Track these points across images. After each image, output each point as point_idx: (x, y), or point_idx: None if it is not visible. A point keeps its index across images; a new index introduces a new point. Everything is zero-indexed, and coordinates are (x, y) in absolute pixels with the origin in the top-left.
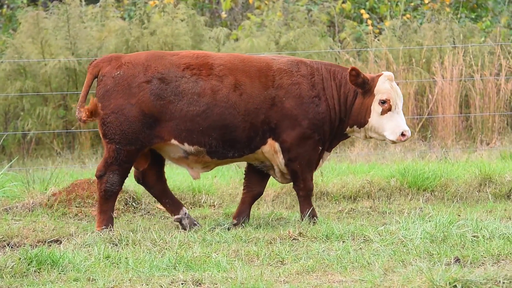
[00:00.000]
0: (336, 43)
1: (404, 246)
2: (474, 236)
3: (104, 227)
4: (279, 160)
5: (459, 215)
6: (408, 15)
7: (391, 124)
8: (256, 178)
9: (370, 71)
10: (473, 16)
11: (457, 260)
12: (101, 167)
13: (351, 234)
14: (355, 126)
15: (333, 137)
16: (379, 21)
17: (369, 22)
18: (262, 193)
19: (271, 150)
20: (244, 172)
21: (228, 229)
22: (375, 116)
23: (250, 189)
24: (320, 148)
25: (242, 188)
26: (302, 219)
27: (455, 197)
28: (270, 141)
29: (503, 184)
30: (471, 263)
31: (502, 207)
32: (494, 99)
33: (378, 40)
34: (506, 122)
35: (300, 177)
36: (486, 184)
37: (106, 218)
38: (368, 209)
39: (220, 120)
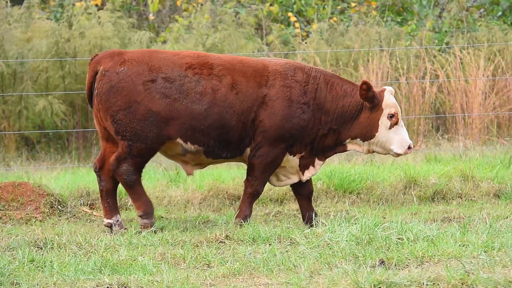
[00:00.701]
0: (263, 45)
1: (330, 248)
2: (399, 239)
3: (142, 211)
4: (247, 153)
5: (384, 218)
6: (335, 18)
7: (398, 138)
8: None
9: None
10: (399, 20)
11: (382, 262)
12: (113, 161)
13: (278, 236)
14: (358, 139)
15: (324, 147)
16: (307, 24)
17: (297, 25)
18: (312, 188)
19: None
20: None
21: (155, 232)
22: (383, 130)
23: (300, 192)
24: (290, 155)
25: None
26: (236, 216)
27: (380, 199)
28: (252, 141)
29: (427, 187)
30: (395, 265)
31: (426, 209)
32: (420, 102)
33: (306, 43)
34: (431, 125)
35: (255, 174)
36: (411, 186)
37: (142, 203)
38: (295, 212)
39: (219, 120)
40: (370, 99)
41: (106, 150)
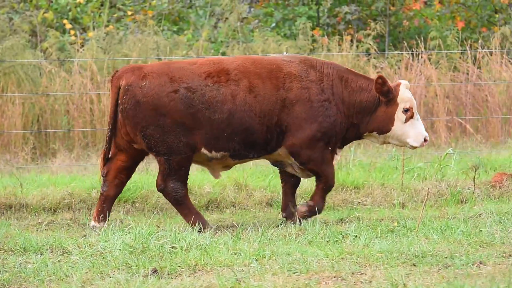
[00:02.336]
0: (38, 52)
1: (103, 258)
2: (172, 247)
3: (198, 222)
4: (293, 161)
5: (158, 227)
6: (111, 26)
7: (414, 131)
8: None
9: (74, 82)
10: (175, 29)
11: (155, 271)
12: (160, 181)
13: (50, 246)
14: (375, 132)
15: (346, 139)
16: (83, 32)
17: (72, 32)
18: (300, 180)
19: (285, 152)
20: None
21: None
22: (398, 124)
23: (287, 181)
24: (330, 148)
25: (280, 182)
26: (309, 208)
27: (155, 208)
28: (283, 144)
29: (202, 196)
30: (168, 274)
31: None
32: None
33: (83, 50)
34: None
35: (320, 174)
36: None
37: (194, 217)
38: (69, 221)
39: (241, 124)
40: (385, 94)
41: (115, 159)
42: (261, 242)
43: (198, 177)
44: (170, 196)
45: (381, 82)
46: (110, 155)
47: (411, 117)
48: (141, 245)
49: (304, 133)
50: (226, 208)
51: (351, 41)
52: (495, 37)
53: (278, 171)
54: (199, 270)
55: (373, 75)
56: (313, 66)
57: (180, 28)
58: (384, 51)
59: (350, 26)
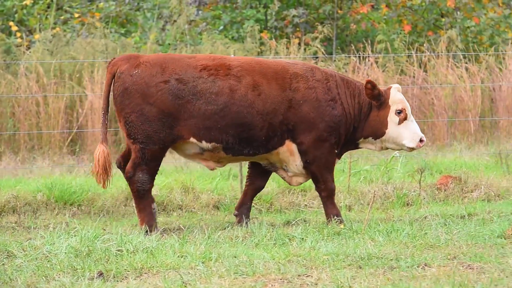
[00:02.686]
0: None
1: (49, 261)
2: (118, 250)
3: (145, 223)
4: (296, 162)
5: (104, 229)
6: (58, 28)
7: (409, 132)
8: (259, 172)
9: (20, 85)
10: (123, 31)
11: (101, 274)
12: (130, 169)
13: None
14: (370, 138)
15: (344, 144)
16: (29, 34)
17: (18, 34)
18: (264, 187)
19: (287, 151)
20: (248, 166)
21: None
22: (392, 127)
23: (252, 182)
24: (336, 149)
25: (245, 180)
26: (328, 220)
27: (101, 211)
28: (287, 142)
29: None
30: (114, 277)
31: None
32: None
33: (30, 53)
34: None
35: (320, 178)
36: (132, 198)
37: (146, 214)
38: (14, 224)
39: (238, 118)
40: (377, 97)
41: (128, 149)
42: (207, 245)
43: None
44: (134, 186)
45: (371, 86)
46: (125, 150)
47: (405, 118)
48: (87, 248)
49: (312, 132)
50: (173, 210)
51: (299, 44)
52: (441, 41)
53: (248, 171)
54: (145, 273)
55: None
56: (317, 68)
57: (128, 30)
58: (331, 54)
59: (297, 29)
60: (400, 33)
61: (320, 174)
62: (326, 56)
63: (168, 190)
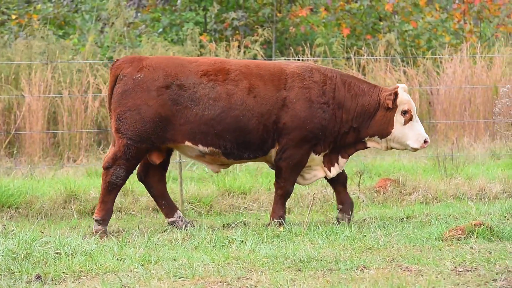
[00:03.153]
0: None
1: None
2: (56, 253)
3: (100, 217)
4: (272, 155)
5: (43, 232)
6: None
7: (414, 133)
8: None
9: None
10: (61, 33)
11: (39, 277)
12: (109, 160)
13: None
14: (376, 137)
15: (345, 145)
16: None
17: None
18: (347, 176)
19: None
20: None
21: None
22: (398, 127)
23: (335, 181)
24: (315, 154)
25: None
26: (271, 218)
27: (40, 214)
28: (277, 144)
29: (87, 201)
30: (52, 280)
31: (86, 223)
32: (82, 116)
33: None
34: (92, 139)
35: (283, 176)
36: (71, 201)
37: (105, 209)
38: None
39: (235, 123)
40: (394, 104)
41: (146, 157)
42: (147, 247)
43: (84, 182)
44: (108, 177)
45: (394, 97)
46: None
47: (410, 119)
48: (24, 251)
49: (297, 132)
50: (112, 213)
51: (239, 47)
52: (380, 44)
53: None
54: (84, 276)
55: None
56: (318, 69)
57: (66, 32)
58: (271, 57)
59: (237, 32)
60: (339, 37)
61: (286, 172)
62: (266, 59)
63: None
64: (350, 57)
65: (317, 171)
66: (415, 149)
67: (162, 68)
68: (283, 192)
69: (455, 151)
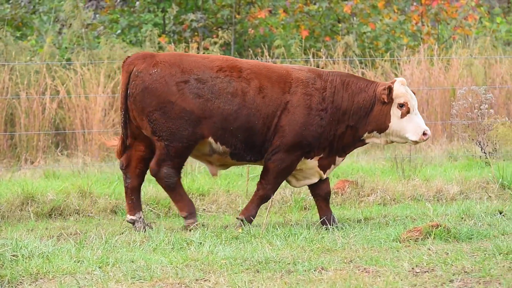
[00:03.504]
0: None
1: None
2: (13, 255)
3: (186, 213)
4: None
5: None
6: None
7: (412, 126)
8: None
9: None
10: (18, 35)
11: None
12: (154, 166)
13: None
14: (374, 132)
15: (344, 144)
16: None
17: None
18: (330, 191)
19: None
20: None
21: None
22: (395, 120)
23: (317, 194)
24: (307, 158)
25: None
26: (240, 214)
27: None
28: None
29: (45, 203)
30: (9, 283)
31: (43, 225)
32: (40, 118)
33: None
34: (50, 141)
35: (268, 177)
36: (28, 203)
37: (185, 203)
38: None
39: (246, 122)
40: (390, 98)
41: (134, 149)
42: (104, 249)
43: (41, 184)
44: (162, 181)
45: (389, 92)
46: (127, 144)
47: (408, 112)
48: None
49: (292, 137)
50: (70, 215)
51: (198, 48)
52: (338, 46)
53: (309, 187)
54: (41, 278)
55: None
56: (320, 75)
57: (24, 33)
58: None
59: (196, 33)
60: (297, 38)
61: (272, 175)
62: None
63: (64, 195)
64: (309, 58)
65: (310, 174)
66: (415, 142)
67: (177, 63)
68: (263, 194)
69: (412, 152)
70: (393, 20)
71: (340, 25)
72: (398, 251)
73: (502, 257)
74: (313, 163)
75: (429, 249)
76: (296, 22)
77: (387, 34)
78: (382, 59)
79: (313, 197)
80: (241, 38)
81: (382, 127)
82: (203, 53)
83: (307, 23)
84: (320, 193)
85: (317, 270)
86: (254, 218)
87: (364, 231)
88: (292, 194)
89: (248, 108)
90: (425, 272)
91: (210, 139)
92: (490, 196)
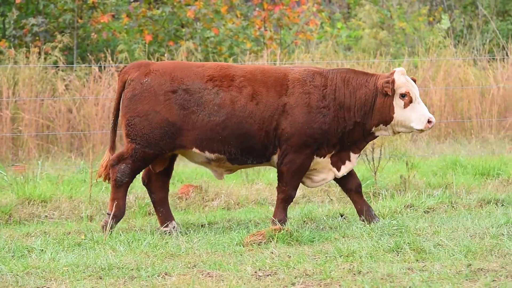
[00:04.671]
0: None
1: None
2: None
3: (112, 212)
4: (275, 160)
5: None
6: None
7: (416, 115)
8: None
9: None
10: None
11: None
12: (115, 158)
13: None
14: (381, 125)
15: (355, 141)
16: None
17: None
18: (360, 182)
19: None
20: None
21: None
22: (399, 111)
23: (348, 189)
24: (319, 157)
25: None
26: (273, 222)
27: None
28: (278, 149)
29: None
30: None
31: None
32: None
33: None
34: None
35: (284, 180)
36: None
37: (117, 206)
38: None
39: (238, 129)
40: (393, 91)
41: (153, 166)
42: None
43: None
44: (114, 174)
45: (392, 85)
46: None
47: (410, 101)
48: None
49: (296, 137)
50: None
51: (39, 53)
52: (181, 51)
53: (338, 184)
54: None
55: (62, 88)
56: (320, 73)
57: None
58: (72, 63)
59: (37, 38)
60: (141, 43)
61: (287, 177)
62: (67, 65)
63: None
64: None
65: (325, 174)
66: (421, 130)
67: (169, 72)
68: (284, 196)
69: None
70: (236, 25)
71: (183, 30)
72: (241, 255)
73: (343, 259)
74: (325, 161)
75: (272, 253)
76: (140, 26)
77: (230, 39)
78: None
79: (346, 193)
80: (83, 42)
81: (387, 119)
82: (45, 58)
83: (151, 28)
84: (351, 187)
85: (161, 276)
86: (286, 220)
87: (208, 236)
88: (136, 199)
89: (238, 116)
90: (267, 275)
91: (195, 150)
92: (331, 199)
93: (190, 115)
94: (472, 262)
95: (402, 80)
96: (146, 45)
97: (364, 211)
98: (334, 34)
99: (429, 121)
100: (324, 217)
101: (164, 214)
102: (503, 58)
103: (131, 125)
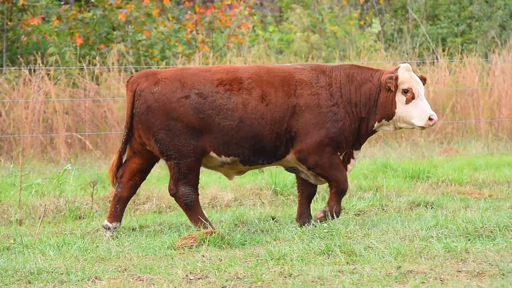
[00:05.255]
0: None
1: None
2: None
3: (207, 230)
4: (288, 160)
5: None
6: None
7: (418, 111)
8: (306, 180)
9: None
10: None
11: None
12: (171, 186)
13: None
14: (383, 120)
15: (360, 137)
16: None
17: None
18: (316, 192)
19: (293, 158)
20: (295, 176)
21: None
22: (401, 106)
23: (303, 191)
24: (340, 152)
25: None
26: (326, 213)
27: None
28: (291, 150)
29: None
30: None
31: None
32: None
33: None
34: None
35: (329, 178)
36: None
37: (202, 223)
38: None
39: (251, 131)
40: (396, 85)
41: (131, 161)
42: None
43: None
44: (181, 201)
45: (395, 82)
46: (125, 158)
47: (413, 97)
48: None
49: (312, 138)
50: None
51: None
52: (112, 54)
53: (296, 181)
54: None
55: None
56: (323, 72)
57: None
58: (1, 66)
59: None
60: (72, 46)
61: (328, 175)
62: None
63: None
64: (83, 66)
65: None
66: (422, 127)
67: (178, 79)
68: (336, 190)
69: None
70: (168, 28)
71: (115, 32)
72: (172, 259)
73: (274, 262)
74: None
75: (203, 256)
76: (70, 29)
77: (162, 42)
78: (158, 67)
79: (298, 193)
80: (13, 45)
81: (389, 114)
82: None
83: (82, 31)
84: (306, 190)
85: (91, 280)
86: (340, 212)
87: (139, 239)
88: (66, 203)
89: (250, 118)
90: (198, 279)
91: (212, 154)
92: (263, 203)
93: (207, 119)
94: (401, 264)
95: (406, 76)
96: (77, 48)
97: (302, 216)
98: (266, 38)
99: (430, 119)
100: (256, 220)
101: (117, 213)
102: (433, 62)
103: (159, 140)
